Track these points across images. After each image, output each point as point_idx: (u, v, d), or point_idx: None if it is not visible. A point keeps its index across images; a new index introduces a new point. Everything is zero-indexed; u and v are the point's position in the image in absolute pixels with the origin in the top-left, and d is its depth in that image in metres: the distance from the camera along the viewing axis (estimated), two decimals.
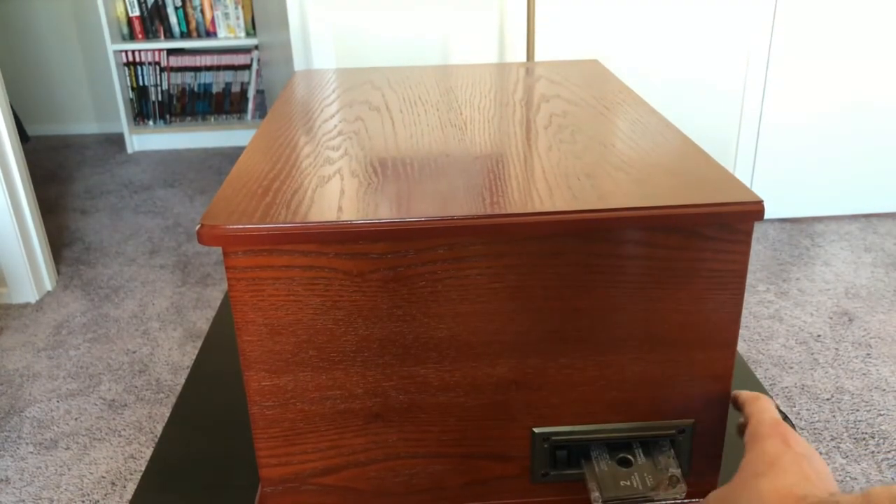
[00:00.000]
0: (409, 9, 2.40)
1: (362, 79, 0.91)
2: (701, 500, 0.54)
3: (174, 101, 3.78)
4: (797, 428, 0.60)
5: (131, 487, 1.64)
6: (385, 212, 0.53)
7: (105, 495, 1.62)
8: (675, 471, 0.59)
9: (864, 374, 1.93)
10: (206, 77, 3.76)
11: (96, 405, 1.90)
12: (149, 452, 1.73)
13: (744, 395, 0.57)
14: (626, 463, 0.59)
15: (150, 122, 3.79)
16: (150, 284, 2.48)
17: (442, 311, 0.54)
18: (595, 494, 0.57)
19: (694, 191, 0.55)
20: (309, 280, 0.53)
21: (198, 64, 3.74)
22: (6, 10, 3.69)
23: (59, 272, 2.56)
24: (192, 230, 2.86)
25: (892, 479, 1.59)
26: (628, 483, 0.58)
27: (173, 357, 2.09)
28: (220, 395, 0.79)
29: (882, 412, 1.80)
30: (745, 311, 2.18)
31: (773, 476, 0.48)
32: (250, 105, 3.82)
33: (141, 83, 3.72)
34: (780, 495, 0.47)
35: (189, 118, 3.81)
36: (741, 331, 2.05)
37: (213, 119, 3.82)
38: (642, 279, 0.54)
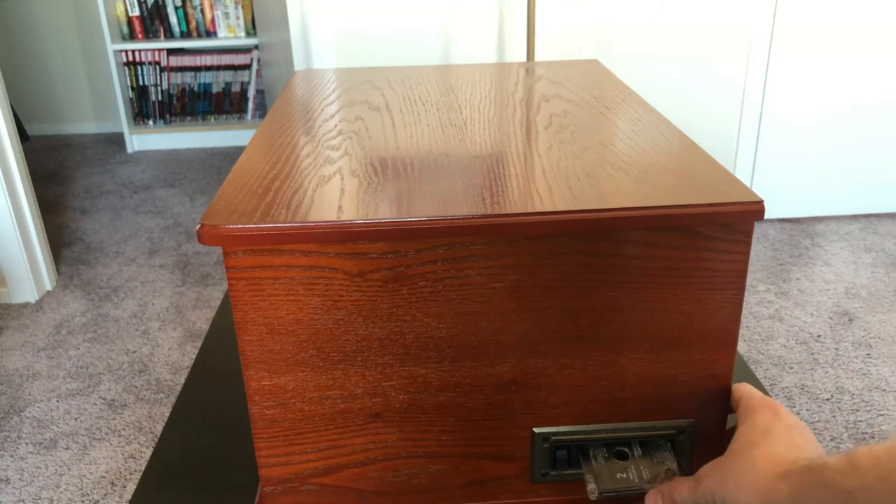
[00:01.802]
0: (409, 9, 2.40)
1: (362, 78, 0.91)
2: (685, 479, 0.55)
3: (174, 101, 3.78)
4: None
5: (131, 487, 1.64)
6: (385, 212, 0.53)
7: (105, 495, 1.62)
8: (672, 464, 0.59)
9: (864, 374, 1.93)
10: (206, 77, 3.76)
11: (96, 405, 1.90)
12: (148, 452, 1.73)
13: (733, 388, 0.59)
14: (622, 456, 0.60)
15: (150, 122, 3.79)
16: (150, 284, 2.48)
17: (442, 311, 0.54)
18: (591, 486, 0.57)
19: (694, 191, 0.55)
20: (309, 280, 0.53)
21: (198, 64, 3.74)
22: (6, 10, 3.69)
23: (58, 272, 2.56)
24: (192, 230, 2.86)
25: None
26: (624, 475, 0.58)
27: (173, 357, 2.09)
28: (220, 395, 0.79)
29: (882, 412, 1.80)
30: (744, 311, 2.18)
31: (766, 445, 0.51)
32: (250, 105, 3.82)
33: (141, 83, 3.72)
34: (773, 462, 0.49)
35: (189, 118, 3.81)
36: (741, 331, 2.05)
37: (213, 119, 3.82)
38: (642, 279, 0.54)
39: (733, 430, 0.58)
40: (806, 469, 0.46)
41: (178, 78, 3.75)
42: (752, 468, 0.50)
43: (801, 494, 0.46)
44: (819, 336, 2.09)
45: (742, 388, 0.58)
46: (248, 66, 3.75)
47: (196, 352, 1.65)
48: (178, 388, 1.92)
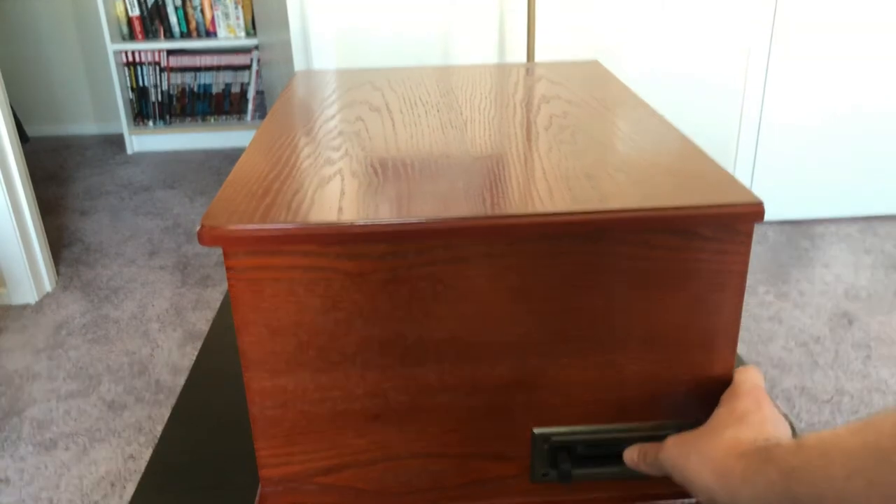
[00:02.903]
0: (409, 9, 2.41)
1: (362, 79, 0.91)
2: (657, 444, 0.56)
3: (174, 102, 3.78)
4: (796, 430, 0.60)
5: (131, 488, 1.64)
6: (385, 213, 0.53)
7: (104, 496, 1.62)
8: None
9: (863, 375, 1.93)
10: (205, 77, 3.76)
11: (96, 406, 1.90)
12: (148, 453, 1.73)
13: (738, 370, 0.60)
14: None
15: (150, 123, 3.79)
16: (150, 285, 2.48)
17: (442, 312, 0.54)
18: None
19: (694, 192, 0.55)
20: (309, 281, 0.53)
21: (198, 64, 3.74)
22: (6, 10, 3.69)
23: (58, 273, 2.56)
24: (191, 231, 2.86)
25: None
26: None
27: (173, 358, 2.09)
28: (219, 396, 0.79)
29: None
30: (744, 313, 2.18)
31: (736, 428, 0.52)
32: (250, 106, 3.82)
33: (141, 83, 3.72)
34: (735, 443, 0.50)
35: (189, 119, 3.81)
36: (741, 332, 2.06)
37: (212, 120, 3.82)
38: (642, 280, 0.54)
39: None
40: (760, 449, 0.48)
41: (177, 78, 3.75)
42: (715, 448, 0.51)
43: (750, 471, 0.47)
44: (819, 338, 2.09)
45: (740, 374, 0.58)
46: (247, 67, 3.75)
47: (196, 353, 1.65)
48: (178, 389, 1.92)
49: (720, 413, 0.54)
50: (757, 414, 0.53)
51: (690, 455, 0.52)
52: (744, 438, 0.50)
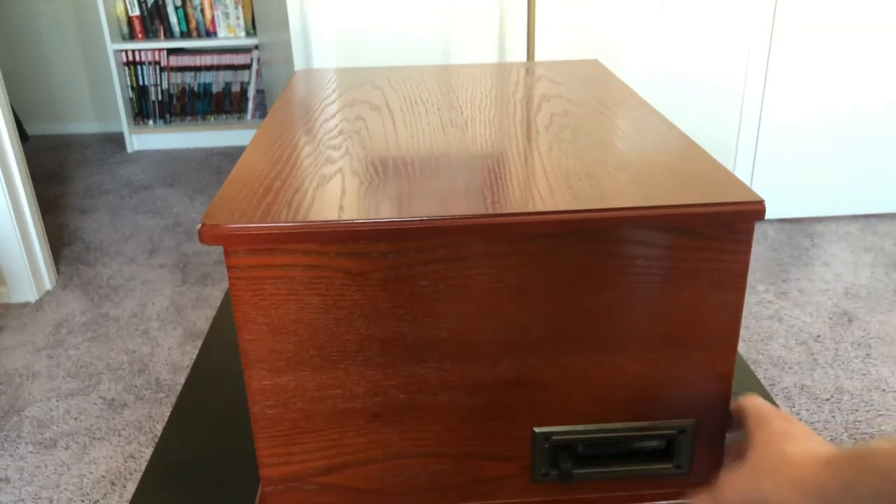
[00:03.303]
0: (409, 9, 2.40)
1: (363, 78, 0.91)
2: (706, 492, 0.55)
3: (174, 101, 3.78)
4: None
5: (131, 487, 1.64)
6: (386, 211, 0.53)
7: (104, 495, 1.62)
8: None
9: (863, 374, 1.93)
10: (205, 77, 3.76)
11: (96, 405, 1.90)
12: (148, 452, 1.73)
13: (740, 400, 0.59)
14: None
15: (150, 122, 3.79)
16: (150, 284, 2.48)
17: (443, 311, 0.54)
18: None
19: (695, 190, 0.55)
20: (310, 279, 0.53)
21: (198, 64, 3.74)
22: (6, 10, 3.69)
23: (58, 271, 2.56)
24: (191, 230, 2.86)
25: None
26: None
27: (173, 356, 2.09)
28: (220, 395, 0.79)
29: (882, 412, 1.80)
30: (744, 312, 2.18)
31: (792, 443, 0.51)
32: (250, 105, 3.82)
33: (141, 83, 3.72)
34: (810, 455, 0.49)
35: (189, 118, 3.81)
36: (741, 331, 2.05)
37: (212, 119, 3.82)
38: (643, 279, 0.54)
39: (733, 435, 0.59)
40: (853, 457, 0.46)
41: (178, 78, 3.75)
42: (786, 462, 0.50)
43: (850, 481, 0.45)
44: (818, 336, 2.09)
45: (749, 403, 0.58)
46: (248, 66, 3.75)
47: (196, 351, 1.65)
48: (178, 387, 1.92)
49: (761, 436, 0.54)
50: (793, 427, 0.53)
51: (761, 480, 0.51)
52: (811, 449, 0.50)
